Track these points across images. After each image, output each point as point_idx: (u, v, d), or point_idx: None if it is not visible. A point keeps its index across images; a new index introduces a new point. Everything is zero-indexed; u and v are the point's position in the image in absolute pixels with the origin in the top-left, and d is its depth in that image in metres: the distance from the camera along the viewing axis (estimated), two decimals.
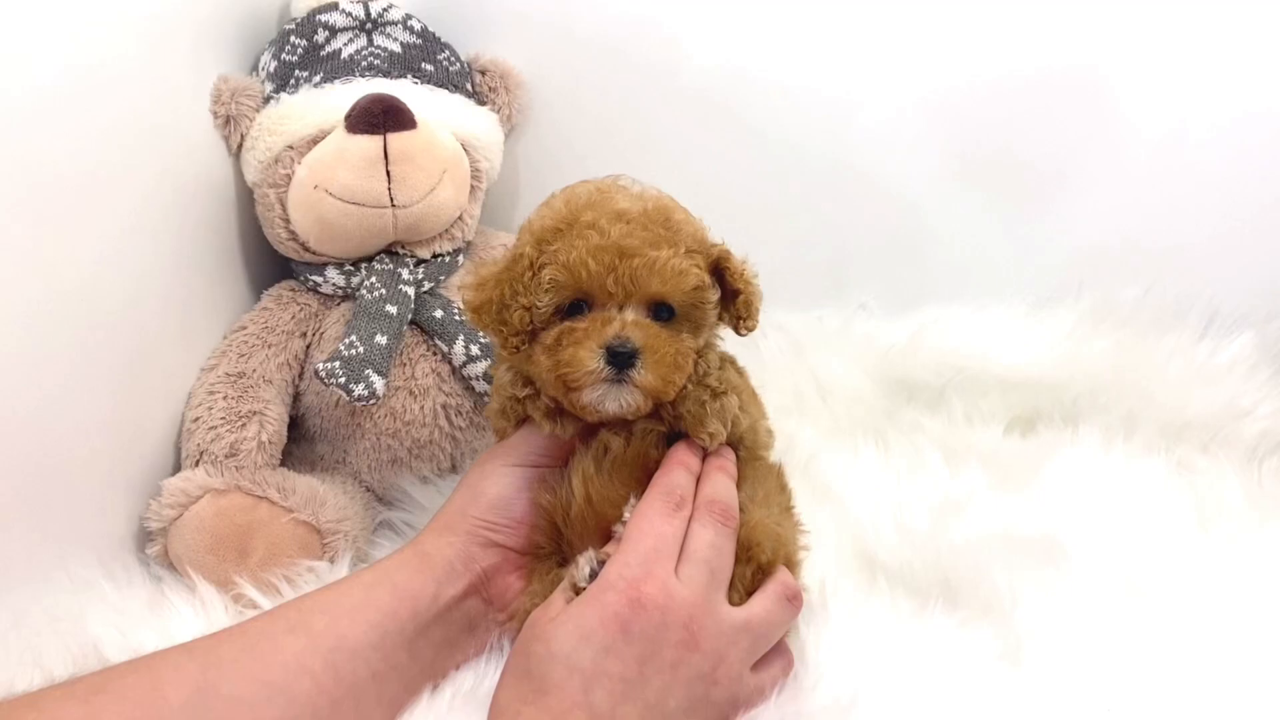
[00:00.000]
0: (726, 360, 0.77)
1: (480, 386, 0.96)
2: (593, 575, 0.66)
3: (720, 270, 0.73)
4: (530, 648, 0.64)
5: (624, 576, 0.64)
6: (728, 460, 0.75)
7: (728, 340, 0.80)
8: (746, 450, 0.78)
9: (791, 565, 0.74)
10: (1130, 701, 0.70)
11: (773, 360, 1.07)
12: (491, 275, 0.73)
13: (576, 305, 0.70)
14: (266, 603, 0.82)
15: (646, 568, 0.65)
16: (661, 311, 0.71)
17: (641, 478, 0.73)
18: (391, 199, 0.91)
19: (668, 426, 0.74)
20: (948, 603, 0.79)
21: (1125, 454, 0.98)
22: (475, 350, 0.94)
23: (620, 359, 0.68)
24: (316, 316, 0.98)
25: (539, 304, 0.70)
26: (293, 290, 0.99)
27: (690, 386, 0.72)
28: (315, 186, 0.91)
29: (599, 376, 0.68)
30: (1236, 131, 1.03)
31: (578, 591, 0.66)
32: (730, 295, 0.74)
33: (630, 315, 0.69)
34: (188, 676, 0.63)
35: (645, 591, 0.64)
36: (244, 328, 0.96)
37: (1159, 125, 1.05)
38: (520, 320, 0.70)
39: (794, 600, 0.71)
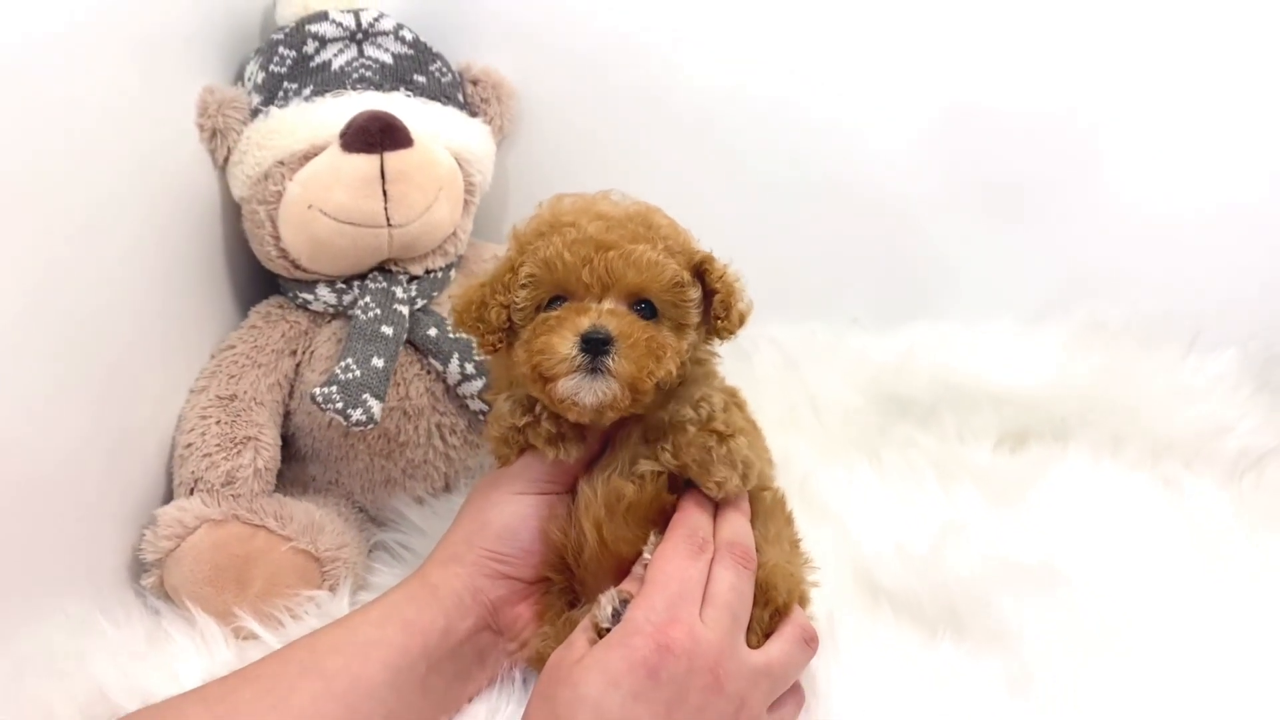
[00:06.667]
0: (730, 401, 0.76)
1: (475, 405, 0.95)
2: (615, 616, 0.65)
3: (702, 273, 0.73)
4: (555, 692, 0.63)
5: (651, 620, 0.64)
6: (742, 498, 0.75)
7: (724, 362, 0.80)
8: (754, 485, 0.77)
9: (803, 603, 0.75)
10: None
11: (766, 374, 1.07)
12: (477, 282, 0.74)
13: (555, 301, 0.71)
14: (268, 635, 0.82)
15: (673, 612, 0.64)
16: (644, 309, 0.71)
17: (655, 518, 0.73)
18: (388, 218, 0.90)
19: (674, 468, 0.73)
20: (955, 632, 0.80)
21: (1114, 471, 1.00)
22: (470, 368, 0.93)
23: (594, 346, 0.67)
24: (307, 334, 0.96)
25: (517, 301, 0.71)
26: (281, 307, 0.97)
27: (694, 431, 0.71)
28: (310, 206, 0.89)
29: (574, 365, 0.68)
30: (1219, 159, 1.05)
31: (600, 632, 0.65)
32: (712, 298, 0.74)
33: (608, 305, 0.69)
34: None
35: (672, 636, 0.63)
36: (232, 347, 0.94)
37: (1146, 151, 1.06)
38: (497, 317, 0.71)
39: (811, 643, 0.71)
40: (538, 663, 0.72)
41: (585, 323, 0.68)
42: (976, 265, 1.12)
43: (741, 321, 0.74)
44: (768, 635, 0.70)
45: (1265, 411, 1.05)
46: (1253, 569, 0.88)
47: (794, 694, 0.72)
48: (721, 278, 0.73)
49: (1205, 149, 1.05)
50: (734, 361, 0.83)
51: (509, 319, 0.72)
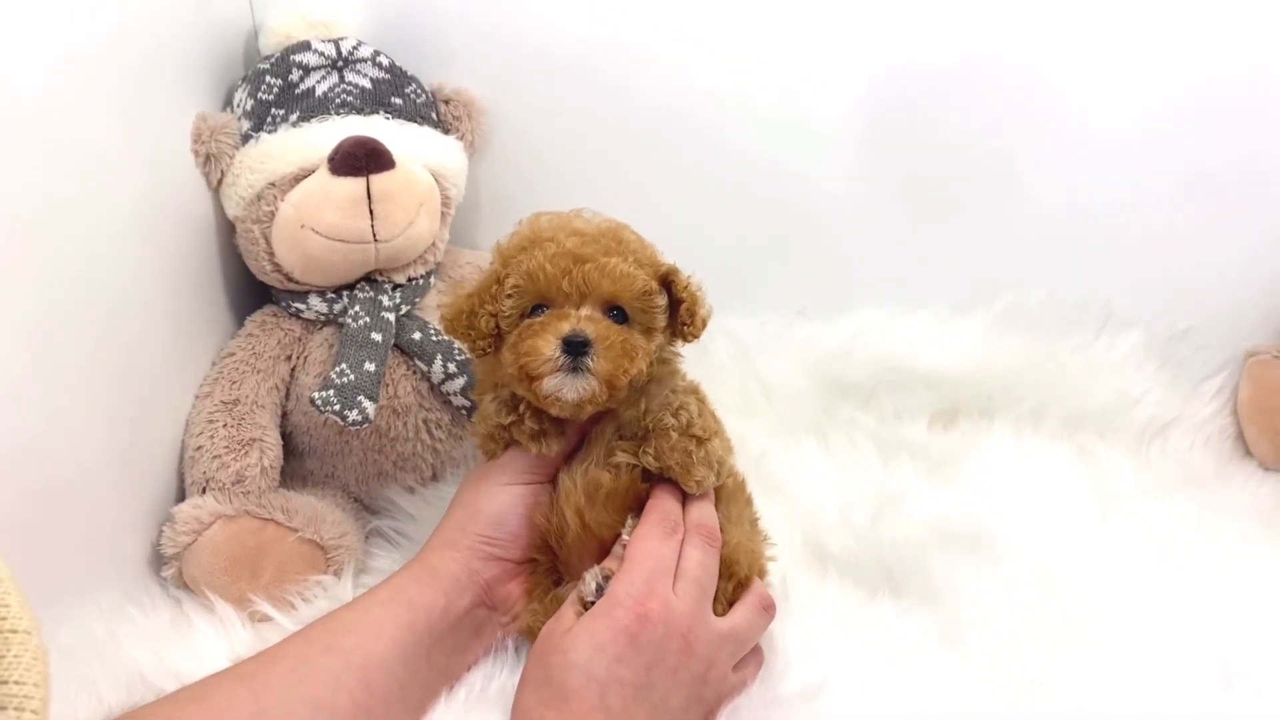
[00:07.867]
0: (702, 406, 0.82)
1: (458, 401, 1.00)
2: (598, 591, 0.72)
3: (668, 283, 0.79)
4: (548, 658, 0.69)
5: (630, 594, 0.71)
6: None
7: (685, 353, 0.86)
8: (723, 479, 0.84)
9: (762, 575, 0.82)
10: (1053, 672, 0.80)
11: (722, 363, 1.13)
12: (465, 292, 0.80)
13: (538, 309, 0.77)
14: (281, 617, 0.88)
15: (649, 586, 0.72)
16: (616, 315, 0.77)
17: (630, 504, 0.79)
18: (374, 235, 0.95)
19: (655, 469, 0.79)
20: (893, 593, 0.88)
21: (1035, 443, 1.09)
22: (452, 368, 0.98)
23: (575, 348, 0.73)
24: (300, 341, 1.00)
25: (503, 310, 0.76)
26: (275, 316, 1.01)
27: (676, 436, 0.78)
28: (302, 225, 0.94)
29: (556, 365, 0.73)
30: (1125, 162, 1.11)
31: (585, 605, 0.72)
32: (677, 306, 0.80)
33: (585, 312, 0.75)
34: (242, 703, 0.69)
35: (650, 607, 0.70)
36: (232, 354, 0.98)
37: (1061, 156, 1.12)
38: (486, 324, 0.77)
39: (769, 610, 0.79)
40: (528, 634, 0.79)
41: (566, 328, 0.74)
42: (909, 259, 1.17)
43: (703, 326, 0.80)
44: (732, 604, 0.77)
45: (1167, 385, 1.13)
46: (1154, 526, 0.99)
47: (755, 654, 0.79)
48: (686, 288, 0.79)
49: (1113, 153, 1.11)
50: (693, 352, 0.89)
51: (497, 325, 0.78)
